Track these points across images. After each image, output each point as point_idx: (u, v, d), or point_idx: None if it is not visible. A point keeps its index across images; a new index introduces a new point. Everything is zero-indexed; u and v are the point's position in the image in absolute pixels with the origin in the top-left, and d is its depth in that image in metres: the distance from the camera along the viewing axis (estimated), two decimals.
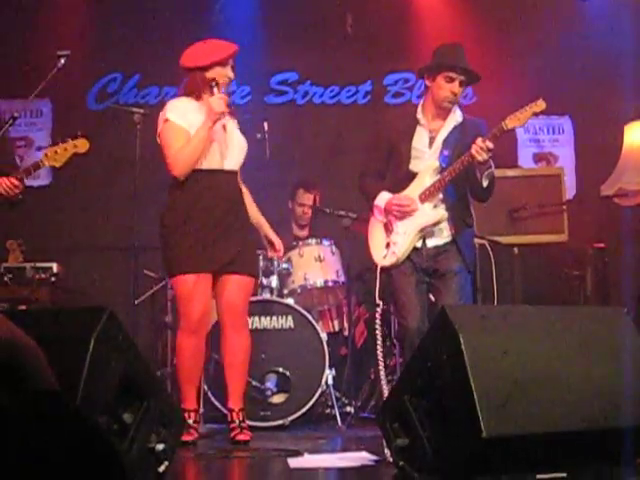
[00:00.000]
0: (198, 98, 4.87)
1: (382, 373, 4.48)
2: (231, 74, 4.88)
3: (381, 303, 4.57)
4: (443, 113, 4.83)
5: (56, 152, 4.64)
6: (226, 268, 4.83)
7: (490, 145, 4.50)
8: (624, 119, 7.15)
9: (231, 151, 4.91)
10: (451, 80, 4.72)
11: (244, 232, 4.97)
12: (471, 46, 7.20)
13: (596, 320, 3.66)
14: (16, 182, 4.63)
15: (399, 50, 7.66)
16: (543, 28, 7.74)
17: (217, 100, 4.76)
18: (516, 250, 6.13)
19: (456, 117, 4.85)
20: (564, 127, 8.00)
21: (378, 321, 4.54)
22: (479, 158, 4.52)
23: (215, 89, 4.80)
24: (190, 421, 4.77)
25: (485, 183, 4.69)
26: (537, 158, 8.00)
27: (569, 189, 7.12)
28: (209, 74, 4.82)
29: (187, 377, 4.85)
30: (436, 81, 4.76)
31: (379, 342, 4.51)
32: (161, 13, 7.60)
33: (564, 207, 6.41)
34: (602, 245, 6.36)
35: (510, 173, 6.40)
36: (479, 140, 4.53)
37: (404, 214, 4.75)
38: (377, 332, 4.53)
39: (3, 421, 2.34)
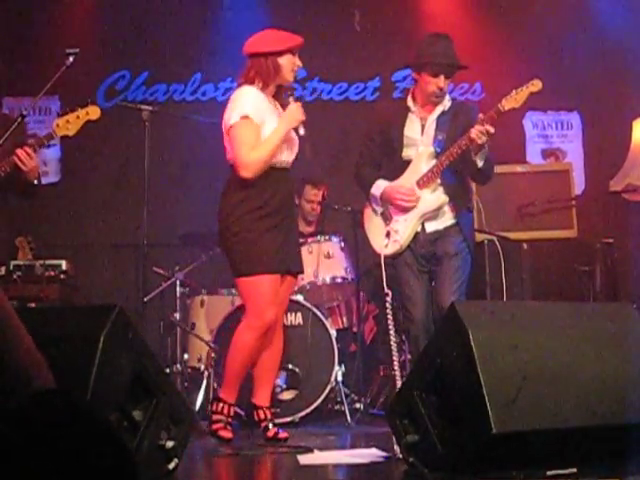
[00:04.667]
0: (265, 86, 4.76)
1: (396, 364, 4.43)
2: (299, 62, 4.78)
3: (390, 292, 4.55)
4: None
5: (68, 121, 4.48)
6: (294, 268, 4.84)
7: (491, 129, 4.50)
8: (632, 114, 7.14)
9: (295, 148, 4.85)
10: (436, 75, 4.73)
11: (297, 229, 5.07)
12: (480, 43, 7.27)
13: (605, 316, 3.67)
14: (29, 151, 4.44)
15: (407, 46, 7.63)
16: (552, 24, 7.73)
17: (298, 108, 4.70)
18: (525, 246, 6.11)
19: (444, 102, 4.87)
20: (572, 122, 7.99)
21: (389, 310, 4.52)
22: (479, 141, 4.52)
23: (291, 98, 4.75)
24: (223, 417, 4.74)
25: (480, 163, 4.67)
26: (545, 154, 7.99)
27: (578, 185, 7.10)
28: (281, 60, 4.71)
29: (241, 373, 4.77)
30: (422, 75, 4.79)
31: (391, 332, 4.47)
32: (169, 11, 7.60)
33: (573, 203, 6.39)
34: (611, 240, 6.33)
35: (519, 169, 6.40)
36: (478, 124, 4.51)
37: (406, 208, 4.77)
38: (389, 322, 4.50)
39: (14, 421, 2.35)
